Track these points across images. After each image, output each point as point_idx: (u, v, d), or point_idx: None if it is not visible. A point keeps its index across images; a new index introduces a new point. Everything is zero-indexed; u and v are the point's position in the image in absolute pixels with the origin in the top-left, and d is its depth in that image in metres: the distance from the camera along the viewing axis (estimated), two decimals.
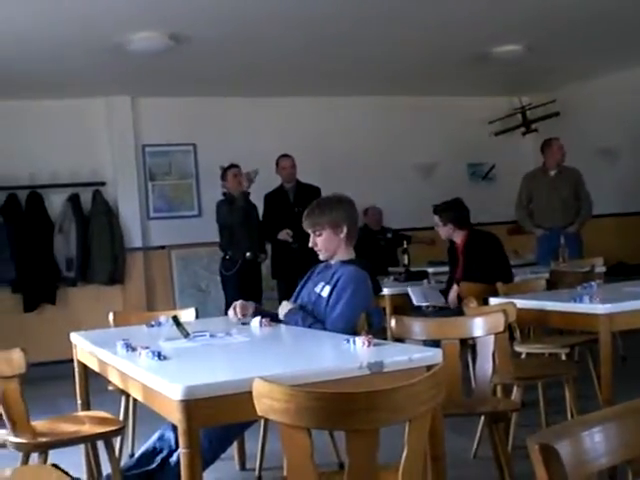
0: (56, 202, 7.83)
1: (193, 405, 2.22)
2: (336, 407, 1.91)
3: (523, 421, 4.18)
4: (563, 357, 4.66)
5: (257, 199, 7.06)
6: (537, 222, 7.54)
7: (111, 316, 4.43)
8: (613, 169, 8.75)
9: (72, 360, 3.89)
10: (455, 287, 5.36)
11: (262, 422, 3.89)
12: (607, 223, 8.50)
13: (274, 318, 3.72)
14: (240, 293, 6.85)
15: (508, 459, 3.34)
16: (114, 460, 3.31)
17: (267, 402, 1.95)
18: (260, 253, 7.07)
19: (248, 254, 6.90)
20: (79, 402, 3.82)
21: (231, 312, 3.86)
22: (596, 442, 1.47)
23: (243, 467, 4.20)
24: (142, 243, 8.13)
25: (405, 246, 6.57)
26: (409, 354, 2.58)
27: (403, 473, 2.01)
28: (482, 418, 3.95)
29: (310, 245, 3.71)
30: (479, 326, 3.40)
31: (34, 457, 3.25)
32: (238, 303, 3.86)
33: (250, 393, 1.99)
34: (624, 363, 6.09)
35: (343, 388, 2.11)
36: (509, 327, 3.90)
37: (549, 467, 1.37)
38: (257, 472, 3.96)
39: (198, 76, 7.51)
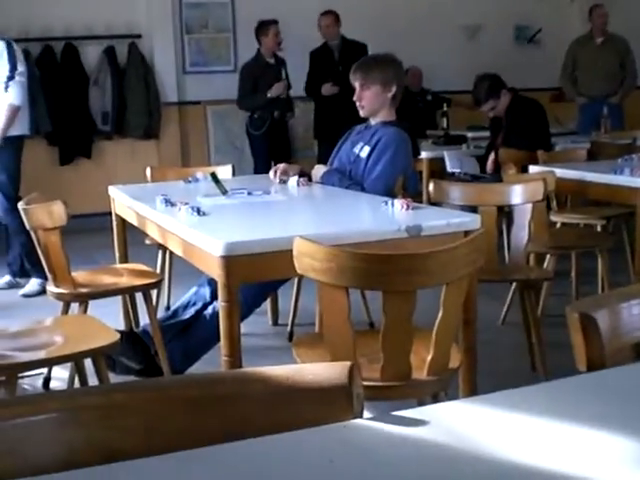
0: (91, 54, 7.72)
1: (233, 261, 2.25)
2: (376, 268, 1.93)
3: (554, 290, 4.21)
4: (598, 229, 4.64)
5: (299, 57, 6.95)
6: (580, 90, 7.36)
7: (148, 171, 4.45)
8: None
9: (109, 213, 3.94)
10: (493, 155, 5.30)
11: (296, 280, 3.96)
12: None
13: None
14: (268, 153, 6.85)
15: (538, 326, 3.38)
16: (152, 311, 3.39)
17: (307, 261, 1.97)
18: (288, 112, 6.99)
19: (276, 113, 6.82)
20: (117, 255, 3.89)
21: (271, 174, 3.86)
22: (634, 315, 1.47)
23: (276, 323, 4.30)
24: (177, 98, 8.06)
25: (445, 109, 6.46)
26: (447, 218, 2.57)
27: (437, 334, 2.04)
28: (513, 285, 3.98)
29: (354, 99, 3.64)
30: (518, 194, 3.38)
31: (74, 308, 3.35)
32: (281, 166, 3.85)
33: (289, 252, 2.01)
34: None
35: (381, 250, 2.12)
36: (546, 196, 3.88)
37: (587, 335, 1.38)
38: (289, 328, 4.06)
39: None
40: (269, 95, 6.68)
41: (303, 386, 1.05)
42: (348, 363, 1.04)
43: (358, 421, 1.02)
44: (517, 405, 1.06)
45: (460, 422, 1.02)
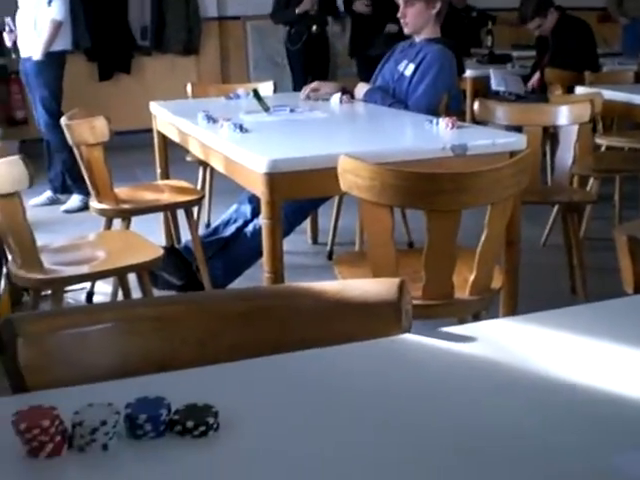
0: None
1: (277, 178, 2.25)
2: (421, 187, 1.92)
3: (596, 214, 4.17)
4: None
5: None
6: (625, 10, 7.20)
7: (189, 87, 4.43)
8: None
9: (149, 130, 3.95)
10: (538, 74, 5.20)
11: (336, 200, 3.96)
12: None
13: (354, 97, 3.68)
14: (306, 69, 6.75)
15: (579, 249, 3.36)
16: (194, 227, 3.43)
17: (352, 179, 1.96)
18: (325, 26, 6.86)
19: (314, 27, 6.70)
20: (158, 171, 3.91)
21: (302, 92, 3.83)
22: None
23: (315, 241, 4.32)
24: (217, 13, 7.96)
25: (489, 27, 6.31)
26: (493, 138, 2.54)
27: (480, 255, 2.04)
28: (556, 208, 3.95)
29: (398, 15, 3.57)
30: (564, 115, 3.32)
31: (116, 224, 3.39)
32: (312, 84, 3.82)
33: (333, 169, 2.01)
34: None
35: (425, 169, 2.10)
36: None
37: (635, 259, 1.37)
38: (329, 247, 4.07)
39: None
40: (297, 11, 6.56)
41: (353, 301, 1.06)
42: (397, 279, 1.05)
43: (407, 336, 1.03)
44: (563, 324, 1.07)
45: (506, 339, 1.03)
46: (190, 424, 0.81)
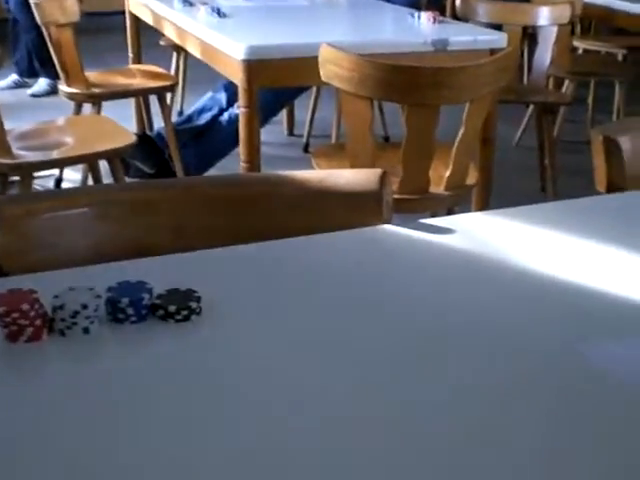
0: None
1: (255, 65, 2.22)
2: (401, 80, 1.90)
3: (570, 116, 4.18)
4: (619, 58, 4.53)
5: None
6: None
7: None
8: None
9: (121, 12, 3.83)
10: None
11: (313, 91, 3.91)
12: None
13: None
14: None
15: (552, 148, 3.39)
16: (167, 114, 3.38)
17: (332, 68, 1.94)
18: None
19: None
20: (130, 55, 3.81)
21: None
22: None
23: (291, 133, 4.29)
24: None
25: None
26: (474, 35, 2.52)
27: (456, 151, 2.05)
28: (530, 108, 3.95)
29: None
30: (544, 15, 3.30)
31: (86, 109, 3.32)
32: None
33: (314, 58, 1.98)
34: None
35: (406, 63, 2.08)
36: None
37: (609, 159, 1.39)
38: (305, 139, 4.05)
39: None
40: None
41: (335, 190, 1.06)
42: (379, 170, 1.05)
43: (387, 226, 1.04)
44: (537, 219, 1.08)
45: (481, 232, 1.04)
46: (172, 308, 0.81)
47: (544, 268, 0.94)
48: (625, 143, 1.42)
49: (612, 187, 1.39)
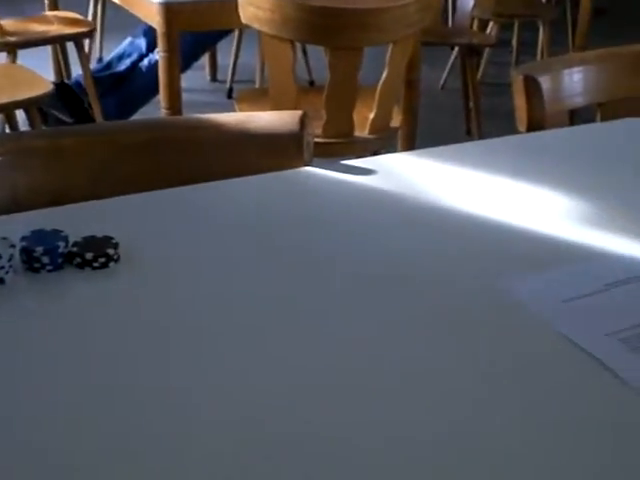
0: None
1: (174, 8, 2.16)
2: (324, 22, 1.88)
3: (494, 59, 4.21)
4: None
5: None
6: None
7: None
8: None
9: None
10: None
11: (236, 35, 3.85)
12: None
13: None
14: None
15: (476, 90, 3.41)
16: (85, 62, 3.28)
17: (252, 10, 1.90)
18: None
19: None
20: (46, 2, 3.68)
21: None
22: (574, 81, 1.50)
23: (214, 78, 4.22)
24: None
25: None
26: None
27: (380, 93, 2.04)
28: (455, 51, 3.96)
29: None
30: None
31: (1, 58, 3.20)
32: None
33: (233, 1, 1.94)
34: (601, 16, 6.00)
35: (328, 3, 2.05)
36: None
37: (529, 98, 1.41)
38: (228, 84, 3.99)
39: None
40: None
41: (254, 132, 1.04)
42: (299, 111, 1.04)
43: (308, 169, 1.03)
44: (459, 158, 1.09)
45: (404, 172, 1.04)
46: (89, 256, 0.79)
47: (465, 207, 0.95)
48: (545, 82, 1.44)
49: (533, 126, 1.41)
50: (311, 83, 3.90)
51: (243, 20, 1.93)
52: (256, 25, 1.91)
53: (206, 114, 1.09)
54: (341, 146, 2.05)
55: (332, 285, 0.79)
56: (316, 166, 1.04)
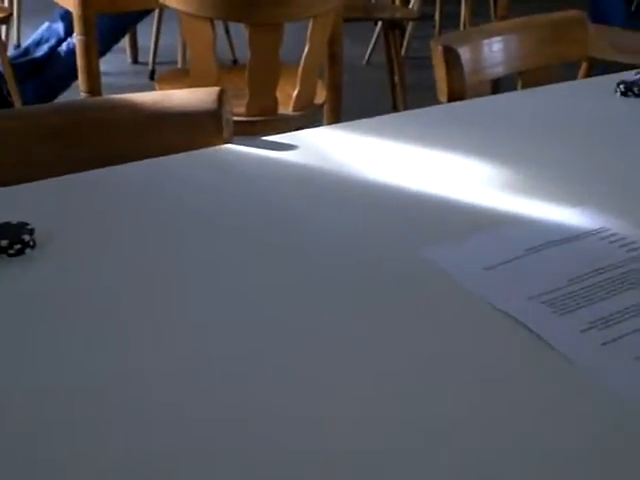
0: None
1: None
2: None
3: (417, 33, 4.22)
4: None
5: None
6: None
7: None
8: None
9: None
10: None
11: (156, 15, 3.79)
12: None
13: None
14: None
15: (401, 65, 3.43)
16: (2, 48, 3.18)
17: None
18: None
19: None
20: None
21: None
22: (494, 51, 1.52)
23: (135, 61, 4.14)
24: None
25: None
26: None
27: (303, 70, 2.03)
28: (379, 26, 3.96)
29: None
30: None
31: None
32: None
33: None
34: None
35: None
36: None
37: (449, 68, 1.42)
38: (150, 66, 3.92)
39: None
40: None
41: (172, 111, 1.02)
42: (217, 88, 1.02)
43: (228, 146, 1.02)
44: (382, 131, 1.09)
45: (327, 146, 1.04)
46: (4, 242, 0.77)
47: (386, 178, 0.95)
48: (465, 53, 1.45)
49: (453, 96, 1.42)
50: (235, 62, 3.86)
51: (160, 0, 1.90)
52: (173, 4, 1.88)
53: (121, 94, 1.07)
54: (265, 124, 2.03)
55: (252, 259, 0.78)
56: (238, 144, 1.03)
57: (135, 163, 0.96)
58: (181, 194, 0.90)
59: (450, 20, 4.56)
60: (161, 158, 0.97)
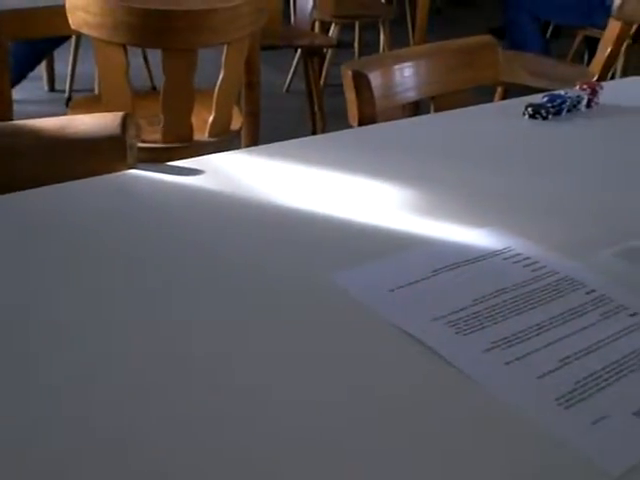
0: None
1: (2, 18, 2.06)
2: (155, 24, 1.83)
3: (337, 60, 4.26)
4: (383, 0, 4.68)
5: None
6: None
7: None
8: None
9: None
10: None
11: (73, 42, 3.73)
12: None
13: None
14: None
15: (319, 92, 3.44)
16: None
17: (81, 15, 1.83)
18: None
19: None
20: None
21: None
22: (405, 76, 1.54)
23: (52, 88, 4.07)
24: None
25: None
26: None
27: (218, 95, 2.02)
28: (298, 53, 3.99)
29: None
30: None
31: None
32: None
33: (64, 7, 1.87)
34: (439, 14, 6.22)
35: (159, 5, 2.01)
36: None
37: (359, 93, 1.43)
38: (67, 94, 3.86)
39: None
40: None
41: (76, 137, 1.00)
42: (121, 113, 1.00)
43: (132, 171, 1.00)
44: (294, 155, 1.08)
45: (237, 171, 1.03)
46: None
47: (293, 202, 0.94)
48: (376, 78, 1.46)
49: (364, 121, 1.43)
50: (154, 89, 3.83)
51: (72, 26, 1.86)
52: (85, 30, 1.85)
53: (25, 120, 1.04)
54: (181, 150, 2.01)
55: (154, 284, 0.76)
56: (142, 169, 1.01)
57: (39, 189, 0.93)
58: (80, 222, 0.88)
59: (369, 47, 4.63)
60: (59, 185, 0.94)
